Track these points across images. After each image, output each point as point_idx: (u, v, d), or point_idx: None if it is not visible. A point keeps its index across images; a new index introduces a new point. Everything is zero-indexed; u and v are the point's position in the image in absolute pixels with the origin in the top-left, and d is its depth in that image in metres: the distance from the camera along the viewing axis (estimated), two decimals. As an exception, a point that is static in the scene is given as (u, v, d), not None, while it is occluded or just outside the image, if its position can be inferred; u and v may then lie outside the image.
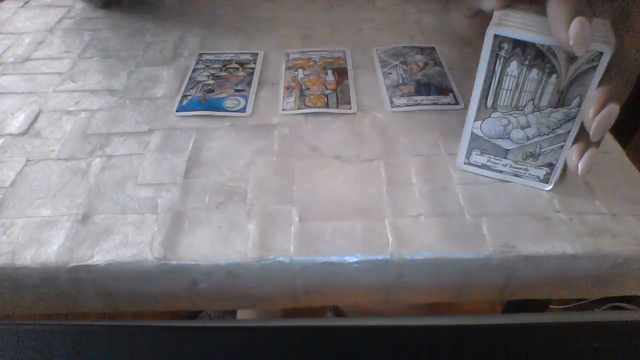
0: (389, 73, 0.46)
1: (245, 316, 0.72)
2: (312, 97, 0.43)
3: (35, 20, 0.56)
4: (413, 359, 0.28)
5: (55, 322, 0.30)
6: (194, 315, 1.03)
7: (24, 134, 0.40)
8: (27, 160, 0.38)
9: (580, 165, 0.31)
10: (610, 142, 0.39)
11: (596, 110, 0.28)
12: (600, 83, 0.29)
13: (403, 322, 0.31)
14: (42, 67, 0.49)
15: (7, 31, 0.55)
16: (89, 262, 0.31)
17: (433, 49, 0.49)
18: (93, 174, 0.37)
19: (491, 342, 0.28)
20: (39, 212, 0.34)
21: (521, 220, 0.32)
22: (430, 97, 0.43)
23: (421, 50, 0.49)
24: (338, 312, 0.77)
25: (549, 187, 0.34)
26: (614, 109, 0.28)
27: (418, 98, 0.43)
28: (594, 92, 0.29)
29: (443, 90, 0.44)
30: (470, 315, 0.35)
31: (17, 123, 0.41)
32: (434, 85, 0.44)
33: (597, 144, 0.31)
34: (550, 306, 1.00)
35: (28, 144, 0.39)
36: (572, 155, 0.31)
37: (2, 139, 0.40)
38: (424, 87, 0.44)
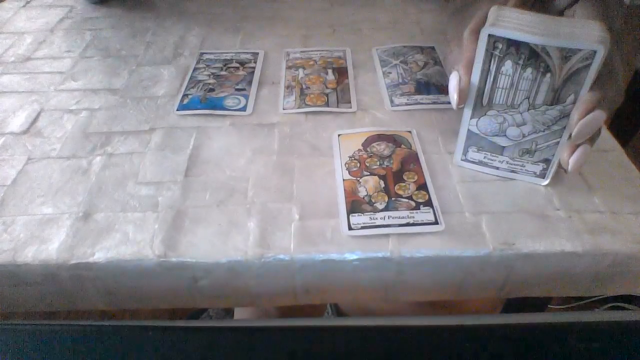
0: (389, 72, 0.46)
1: (242, 315, 0.72)
2: (312, 96, 0.43)
3: (36, 20, 0.57)
4: (413, 359, 0.28)
5: (55, 322, 0.30)
6: (196, 315, 1.03)
7: (25, 132, 0.41)
8: (28, 159, 0.38)
9: (570, 161, 0.31)
10: (610, 141, 0.39)
11: (581, 114, 0.29)
12: (592, 88, 0.29)
13: (403, 322, 0.31)
14: (43, 66, 0.49)
15: (8, 31, 0.55)
16: (90, 259, 0.31)
17: (433, 48, 0.49)
18: (94, 172, 0.37)
19: (491, 342, 0.28)
20: (40, 209, 0.34)
21: (521, 218, 0.33)
22: (430, 96, 0.43)
23: (421, 49, 0.49)
24: (338, 312, 0.77)
25: (546, 182, 0.35)
26: (599, 116, 0.29)
27: (418, 97, 0.43)
28: (584, 96, 0.29)
29: (443, 89, 0.44)
30: (470, 315, 0.35)
31: (18, 122, 0.42)
32: (433, 84, 0.44)
33: (591, 141, 0.31)
34: (550, 306, 1.00)
35: (29, 142, 0.40)
36: (563, 152, 0.32)
37: (3, 138, 0.40)
38: (423, 86, 0.44)
